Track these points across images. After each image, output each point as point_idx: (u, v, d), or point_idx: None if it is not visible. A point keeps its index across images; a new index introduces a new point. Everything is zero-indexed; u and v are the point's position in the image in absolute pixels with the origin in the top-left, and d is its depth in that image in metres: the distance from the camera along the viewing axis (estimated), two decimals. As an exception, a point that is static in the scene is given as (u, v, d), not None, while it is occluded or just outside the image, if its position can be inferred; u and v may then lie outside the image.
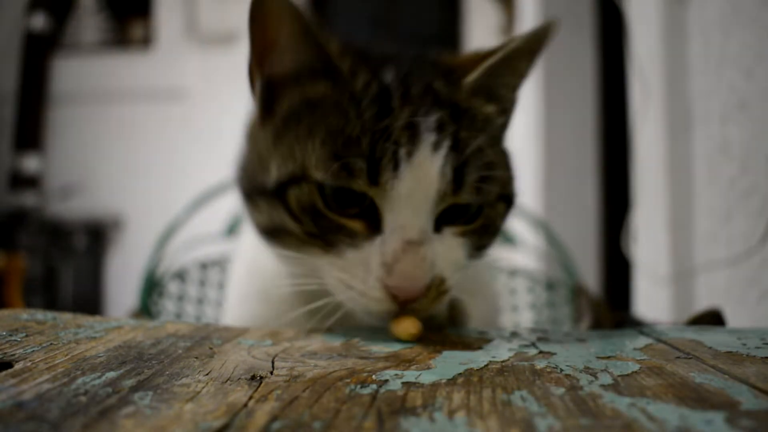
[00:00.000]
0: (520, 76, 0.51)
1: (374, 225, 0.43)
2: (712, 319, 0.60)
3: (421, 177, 0.42)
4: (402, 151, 0.42)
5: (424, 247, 0.42)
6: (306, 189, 0.44)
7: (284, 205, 0.45)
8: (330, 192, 0.43)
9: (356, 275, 0.43)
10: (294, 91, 0.47)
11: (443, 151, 0.42)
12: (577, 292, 0.99)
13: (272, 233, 0.47)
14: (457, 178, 0.43)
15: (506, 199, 0.49)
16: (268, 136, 0.47)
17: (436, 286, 0.43)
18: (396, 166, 0.42)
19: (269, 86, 0.48)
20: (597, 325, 0.84)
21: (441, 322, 0.48)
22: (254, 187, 0.48)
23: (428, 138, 0.42)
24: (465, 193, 0.44)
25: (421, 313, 0.43)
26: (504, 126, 0.52)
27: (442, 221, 0.45)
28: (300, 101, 0.46)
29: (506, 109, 0.52)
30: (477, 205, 0.46)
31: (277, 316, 0.50)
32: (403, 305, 0.42)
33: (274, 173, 0.45)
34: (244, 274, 0.60)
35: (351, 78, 0.45)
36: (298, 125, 0.45)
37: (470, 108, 0.47)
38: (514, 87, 0.52)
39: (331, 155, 0.42)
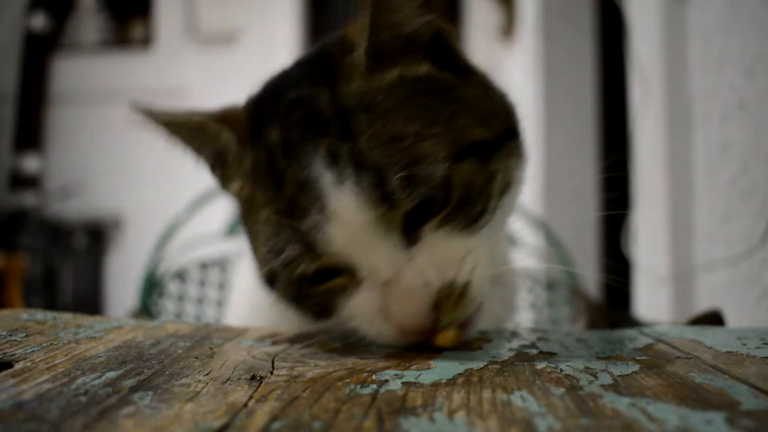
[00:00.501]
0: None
1: (354, 272, 0.40)
2: (713, 320, 0.60)
3: (347, 220, 0.38)
4: (314, 215, 0.38)
5: (405, 274, 0.38)
6: (283, 283, 0.42)
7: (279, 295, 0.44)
8: (298, 276, 0.40)
9: (365, 324, 0.41)
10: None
11: (348, 181, 0.37)
12: (573, 293, 0.99)
13: None
14: (381, 194, 0.37)
15: (472, 149, 0.40)
16: (243, 219, 0.47)
17: (447, 295, 0.39)
18: (320, 229, 0.38)
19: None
20: (593, 325, 0.84)
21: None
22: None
23: (326, 179, 0.38)
24: (402, 200, 0.38)
25: (453, 323, 0.39)
26: (442, 52, 0.43)
27: (412, 226, 0.39)
28: (236, 193, 0.46)
29: (429, 37, 0.42)
30: (437, 186, 0.38)
31: (298, 328, 0.49)
32: (427, 330, 0.39)
33: (259, 270, 0.44)
34: (255, 282, 0.59)
35: (242, 165, 0.44)
36: (246, 223, 0.45)
37: (367, 95, 0.40)
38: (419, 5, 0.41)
39: (271, 252, 0.41)
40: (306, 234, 0.38)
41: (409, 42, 0.42)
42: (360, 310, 0.40)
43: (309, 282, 0.41)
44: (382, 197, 0.37)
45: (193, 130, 0.46)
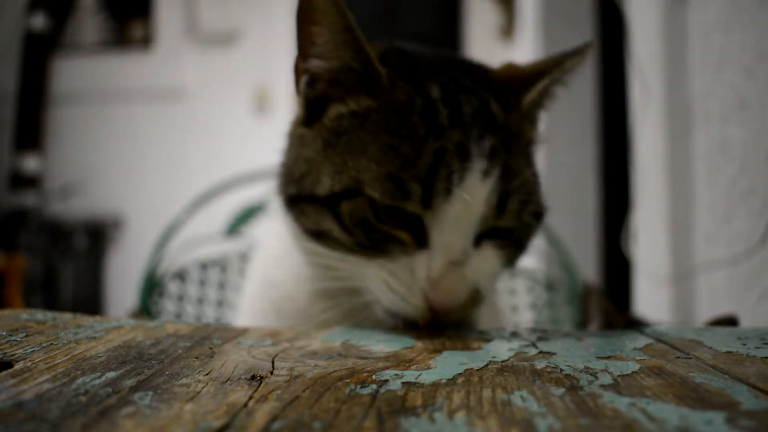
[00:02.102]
0: (553, 97, 0.53)
1: (421, 238, 0.45)
2: (728, 324, 0.59)
3: (468, 202, 0.44)
4: (455, 177, 0.43)
5: (466, 265, 0.45)
6: (359, 204, 0.45)
7: (335, 215, 0.46)
8: (382, 207, 0.45)
9: (402, 281, 0.45)
10: (340, 104, 0.48)
11: (492, 178, 0.44)
12: (586, 293, 0.98)
13: (318, 237, 0.49)
14: (501, 204, 0.45)
15: (538, 215, 0.51)
16: (317, 143, 0.48)
17: (472, 297, 0.46)
18: (448, 191, 0.43)
19: (317, 97, 0.50)
20: (608, 327, 0.83)
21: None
22: (301, 193, 0.48)
23: (480, 165, 0.44)
24: (507, 218, 0.46)
25: (453, 319, 0.46)
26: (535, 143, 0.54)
27: (482, 237, 0.47)
28: (348, 113, 0.48)
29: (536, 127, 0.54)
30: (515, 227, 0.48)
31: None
32: (438, 314, 0.45)
33: (326, 184, 0.46)
34: (258, 288, 0.61)
35: (391, 90, 0.47)
36: (349, 138, 0.47)
37: (519, 132, 0.49)
38: (545, 108, 0.54)
39: (386, 175, 0.44)
40: (430, 186, 0.43)
41: (537, 115, 0.54)
42: (413, 269, 0.45)
43: (380, 219, 0.45)
44: (498, 207, 0.45)
45: None
